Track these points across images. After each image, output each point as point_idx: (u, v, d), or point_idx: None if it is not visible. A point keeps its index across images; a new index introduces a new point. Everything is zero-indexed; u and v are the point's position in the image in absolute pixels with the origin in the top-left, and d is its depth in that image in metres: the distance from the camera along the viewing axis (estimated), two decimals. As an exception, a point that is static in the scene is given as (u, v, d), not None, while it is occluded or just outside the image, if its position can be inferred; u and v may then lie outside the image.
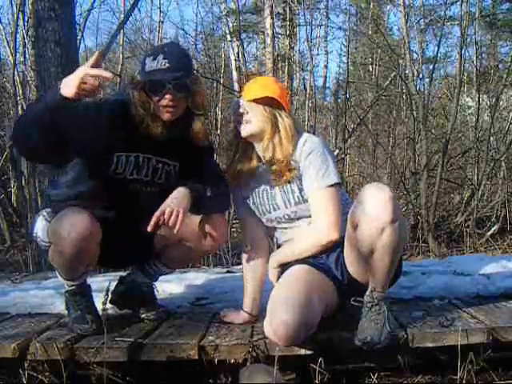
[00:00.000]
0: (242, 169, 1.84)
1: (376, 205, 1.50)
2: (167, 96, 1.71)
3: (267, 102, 1.76)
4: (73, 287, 1.84)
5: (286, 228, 1.84)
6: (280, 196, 1.79)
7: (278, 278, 1.80)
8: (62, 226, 1.69)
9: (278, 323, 1.52)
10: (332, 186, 1.71)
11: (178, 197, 1.73)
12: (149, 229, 1.67)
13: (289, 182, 1.77)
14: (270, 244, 1.97)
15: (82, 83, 1.53)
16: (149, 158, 1.83)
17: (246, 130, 1.79)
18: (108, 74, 1.56)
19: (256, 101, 1.77)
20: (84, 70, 1.54)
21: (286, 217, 1.80)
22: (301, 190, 1.76)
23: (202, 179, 1.82)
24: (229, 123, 2.05)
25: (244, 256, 1.91)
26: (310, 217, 1.76)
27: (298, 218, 1.79)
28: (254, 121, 1.77)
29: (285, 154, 1.75)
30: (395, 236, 1.52)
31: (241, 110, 1.79)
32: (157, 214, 1.68)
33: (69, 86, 1.54)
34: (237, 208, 1.99)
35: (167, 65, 1.70)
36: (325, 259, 1.76)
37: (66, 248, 1.68)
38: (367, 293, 1.64)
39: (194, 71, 1.86)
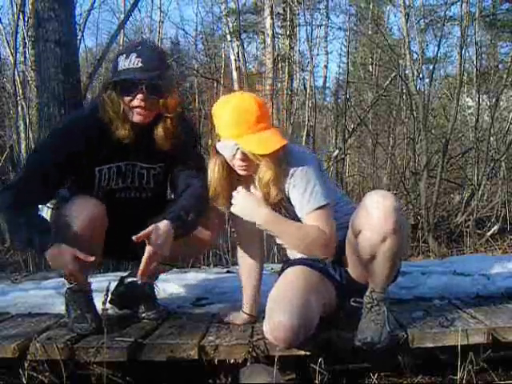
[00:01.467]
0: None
1: (380, 213, 1.50)
2: (139, 96, 1.66)
3: None
4: (74, 283, 1.83)
5: None
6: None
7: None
8: (71, 208, 1.69)
9: (276, 325, 1.51)
10: (321, 207, 1.63)
11: (161, 237, 1.65)
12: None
13: (275, 204, 1.68)
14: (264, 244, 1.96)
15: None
16: (133, 165, 1.82)
17: (246, 173, 1.68)
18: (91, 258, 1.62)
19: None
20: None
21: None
22: (287, 209, 1.69)
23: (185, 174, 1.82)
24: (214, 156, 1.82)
25: (239, 257, 1.91)
26: None
27: None
28: (261, 169, 1.63)
29: (277, 189, 1.65)
30: (397, 244, 1.52)
31: (238, 157, 1.62)
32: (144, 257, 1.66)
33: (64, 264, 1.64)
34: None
35: (140, 64, 1.64)
36: (324, 261, 1.75)
37: (75, 228, 1.66)
38: (367, 293, 1.64)
39: (169, 71, 1.77)
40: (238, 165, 1.65)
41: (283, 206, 1.69)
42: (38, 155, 1.81)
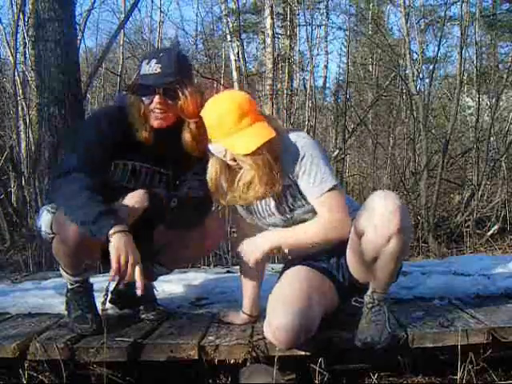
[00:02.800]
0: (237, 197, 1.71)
1: (383, 214, 1.48)
2: (155, 99, 1.71)
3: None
4: (76, 284, 1.83)
5: None
6: (274, 203, 1.72)
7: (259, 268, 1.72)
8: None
9: (277, 326, 1.51)
10: (331, 189, 1.62)
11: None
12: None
13: (281, 191, 1.68)
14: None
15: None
16: (147, 168, 1.84)
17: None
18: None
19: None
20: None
21: (282, 222, 1.75)
22: (294, 196, 1.68)
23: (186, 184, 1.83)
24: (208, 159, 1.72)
25: (240, 257, 1.90)
26: (306, 220, 1.72)
27: (294, 222, 1.73)
28: (245, 169, 1.63)
29: (264, 189, 1.63)
30: (401, 245, 1.51)
31: (228, 158, 1.63)
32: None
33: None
34: (230, 211, 1.96)
35: (159, 70, 1.70)
36: (326, 262, 1.75)
37: (70, 235, 1.66)
38: (368, 293, 1.64)
39: (190, 77, 1.82)
40: (231, 165, 1.65)
41: (291, 195, 1.68)
42: (82, 137, 1.81)
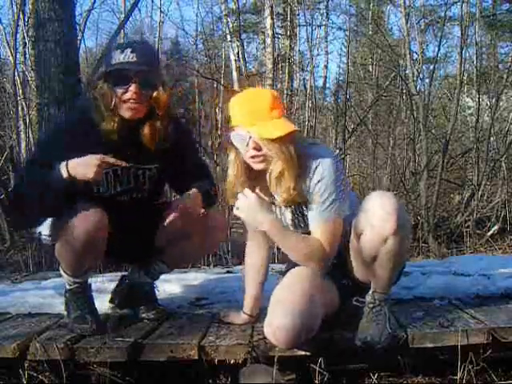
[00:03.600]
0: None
1: (380, 215, 1.49)
2: (131, 88, 1.67)
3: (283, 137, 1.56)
4: (75, 285, 1.83)
5: None
6: (291, 216, 1.70)
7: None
8: (74, 216, 1.67)
9: (277, 327, 1.50)
10: (334, 220, 1.60)
11: (192, 197, 1.78)
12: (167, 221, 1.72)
13: (299, 204, 1.66)
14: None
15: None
16: (128, 168, 1.80)
17: (261, 166, 1.62)
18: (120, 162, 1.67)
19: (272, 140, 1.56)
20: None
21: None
22: (305, 216, 1.67)
23: (187, 178, 1.84)
24: (225, 150, 1.81)
25: (247, 255, 1.90)
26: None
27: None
28: (273, 161, 1.59)
29: (295, 184, 1.60)
30: (398, 245, 1.52)
31: (252, 146, 1.58)
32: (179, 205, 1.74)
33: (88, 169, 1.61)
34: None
35: (135, 58, 1.67)
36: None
37: (76, 238, 1.66)
38: (369, 293, 1.64)
39: (162, 70, 1.82)
40: (250, 155, 1.60)
41: (302, 214, 1.67)
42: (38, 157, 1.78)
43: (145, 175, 1.86)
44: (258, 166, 1.62)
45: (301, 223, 1.69)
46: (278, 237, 1.65)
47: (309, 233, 1.66)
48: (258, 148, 1.58)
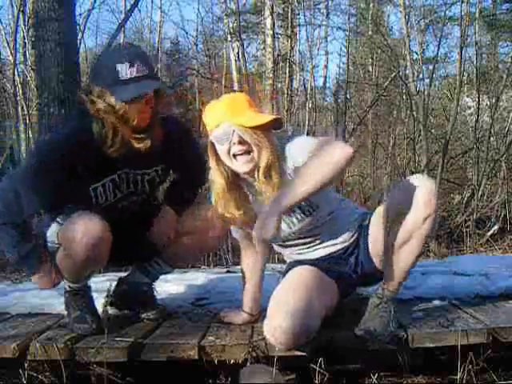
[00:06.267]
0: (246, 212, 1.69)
1: (425, 194, 1.55)
2: (147, 103, 1.68)
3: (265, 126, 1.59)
4: (75, 287, 1.84)
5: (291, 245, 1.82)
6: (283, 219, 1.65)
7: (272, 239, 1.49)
8: (74, 229, 1.64)
9: (277, 329, 1.50)
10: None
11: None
12: None
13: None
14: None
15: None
16: (126, 173, 1.80)
17: (248, 167, 1.61)
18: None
19: (258, 127, 1.58)
20: None
21: (291, 236, 1.76)
22: (300, 206, 1.66)
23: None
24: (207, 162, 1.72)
25: (243, 255, 1.90)
26: (312, 236, 1.75)
27: (300, 236, 1.76)
28: (259, 154, 1.59)
29: (279, 178, 1.61)
30: (432, 227, 1.58)
31: (236, 140, 1.58)
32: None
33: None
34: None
35: (147, 71, 1.67)
36: (343, 264, 1.76)
37: (78, 252, 1.65)
38: (378, 290, 1.66)
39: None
40: (235, 152, 1.60)
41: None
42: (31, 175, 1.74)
43: (144, 179, 1.86)
44: (244, 168, 1.62)
45: (293, 221, 1.71)
46: (301, 187, 1.47)
47: (304, 226, 1.71)
48: (242, 141, 1.59)
